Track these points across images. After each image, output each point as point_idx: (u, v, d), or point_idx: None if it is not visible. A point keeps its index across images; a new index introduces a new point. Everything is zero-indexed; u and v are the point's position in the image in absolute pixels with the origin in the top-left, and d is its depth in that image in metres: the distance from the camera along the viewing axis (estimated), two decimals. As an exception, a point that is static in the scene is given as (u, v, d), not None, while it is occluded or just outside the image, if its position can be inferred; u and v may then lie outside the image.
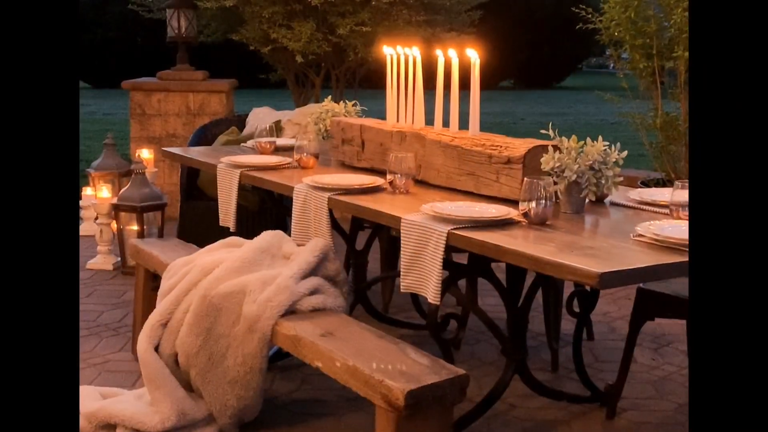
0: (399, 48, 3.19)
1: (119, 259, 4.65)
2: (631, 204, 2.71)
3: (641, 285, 2.89)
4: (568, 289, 3.27)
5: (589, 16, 4.57)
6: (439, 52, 2.99)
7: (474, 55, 2.86)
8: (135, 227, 4.49)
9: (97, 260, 4.69)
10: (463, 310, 3.57)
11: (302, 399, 3.08)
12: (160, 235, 4.54)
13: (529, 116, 15.73)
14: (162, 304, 2.79)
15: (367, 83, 7.49)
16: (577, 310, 3.04)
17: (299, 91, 6.50)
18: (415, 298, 3.81)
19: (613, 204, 2.74)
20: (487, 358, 3.47)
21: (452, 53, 2.93)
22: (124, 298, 4.17)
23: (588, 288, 2.95)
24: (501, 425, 2.91)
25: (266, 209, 4.11)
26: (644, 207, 2.66)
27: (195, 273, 2.78)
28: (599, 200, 2.74)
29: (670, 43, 4.32)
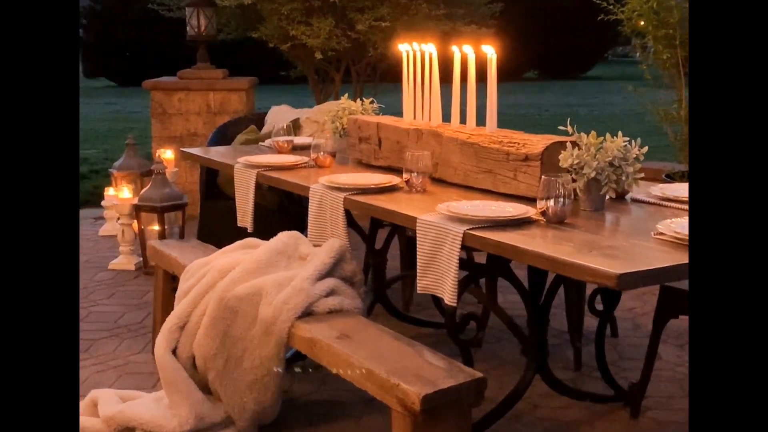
0: (415, 44, 3.14)
1: (141, 259, 4.66)
2: (652, 200, 2.65)
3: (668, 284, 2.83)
4: (590, 287, 3.21)
5: (611, 6, 4.50)
6: (455, 48, 2.95)
7: (490, 51, 2.81)
8: (156, 227, 4.50)
9: (119, 260, 4.71)
10: (483, 308, 3.53)
11: (321, 400, 3.06)
12: (182, 235, 4.54)
13: (554, 107, 15.60)
14: (179, 306, 2.78)
15: (388, 77, 7.45)
16: (599, 308, 2.98)
17: (319, 87, 6.47)
18: (436, 297, 3.77)
19: (635, 200, 2.68)
20: (509, 357, 3.42)
21: (468, 49, 2.88)
22: (145, 298, 4.18)
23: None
24: (523, 425, 2.87)
25: (285, 208, 4.08)
26: (666, 203, 2.60)
27: (212, 275, 2.76)
28: (620, 197, 2.68)
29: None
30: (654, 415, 2.93)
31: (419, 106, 3.20)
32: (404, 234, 3.78)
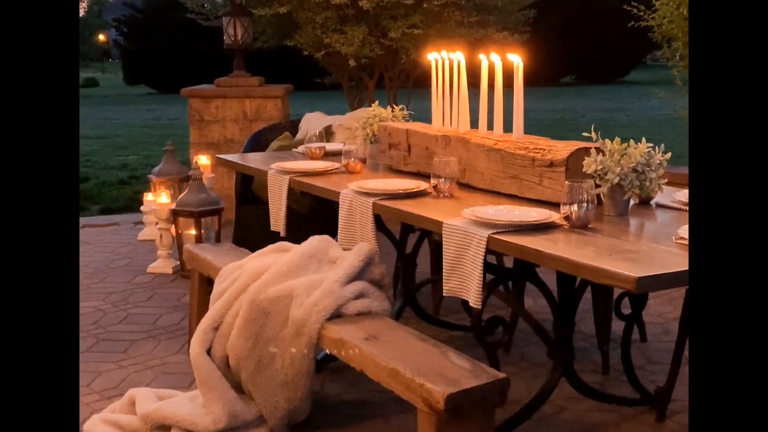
0: (444, 53, 3.21)
1: (178, 262, 4.78)
2: (676, 205, 2.68)
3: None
4: (618, 291, 3.24)
5: (641, 13, 4.52)
6: (482, 57, 3.01)
7: (517, 59, 2.87)
8: (193, 232, 4.62)
9: (158, 264, 4.83)
10: (512, 311, 3.57)
11: (352, 400, 3.13)
12: (218, 239, 4.65)
13: (590, 112, 15.54)
14: (213, 308, 2.87)
15: (423, 83, 7.52)
16: (625, 312, 3.01)
17: (353, 94, 6.56)
18: (465, 300, 3.83)
19: (659, 206, 2.71)
20: (538, 360, 3.46)
21: (495, 57, 2.94)
22: (182, 301, 4.29)
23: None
24: (549, 427, 2.91)
25: (317, 212, 4.17)
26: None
27: (244, 278, 2.85)
28: (645, 202, 2.72)
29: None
30: (680, 419, 2.95)
31: (448, 113, 3.26)
32: (433, 238, 3.84)
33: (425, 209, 2.74)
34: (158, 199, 4.92)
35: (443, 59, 3.22)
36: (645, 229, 2.53)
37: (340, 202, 3.01)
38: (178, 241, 4.69)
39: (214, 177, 5.52)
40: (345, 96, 6.68)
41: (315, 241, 2.94)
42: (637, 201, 2.57)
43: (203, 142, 6.05)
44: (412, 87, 6.60)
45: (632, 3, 4.57)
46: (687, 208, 2.64)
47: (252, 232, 4.27)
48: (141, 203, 7.06)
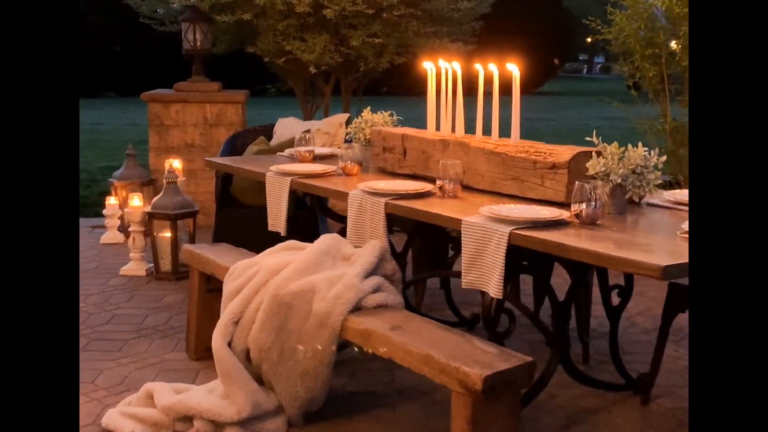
0: (440, 62, 3.40)
1: (152, 265, 4.81)
2: (667, 204, 2.93)
3: (672, 280, 3.11)
4: (595, 288, 3.48)
5: (599, 28, 4.82)
6: (479, 66, 3.21)
7: (515, 69, 3.09)
8: (168, 234, 4.67)
9: (130, 267, 4.85)
10: (497, 306, 3.77)
11: (355, 392, 3.27)
12: (192, 241, 4.71)
13: (513, 122, 16.00)
14: (233, 303, 2.97)
15: (368, 91, 7.71)
16: (598, 307, 3.26)
17: (307, 100, 6.69)
18: (449, 298, 4.02)
19: (650, 205, 2.96)
20: (520, 352, 3.67)
21: (493, 67, 3.15)
22: (164, 302, 4.34)
23: (623, 284, 3.20)
24: (545, 413, 3.12)
25: (299, 214, 4.29)
26: (680, 207, 2.88)
27: (263, 274, 2.96)
28: (636, 201, 2.96)
29: (680, 52, 4.57)
30: (663, 402, 3.21)
31: (442, 118, 3.45)
32: (417, 241, 4.01)
33: (436, 208, 2.91)
34: (131, 202, 4.93)
35: (438, 68, 3.41)
36: (646, 226, 2.76)
37: (349, 202, 3.15)
38: (153, 243, 4.72)
39: (185, 180, 5.56)
40: (298, 102, 6.79)
41: (327, 239, 3.08)
42: (638, 200, 2.81)
43: (163, 146, 6.07)
44: (362, 95, 6.77)
45: (590, 17, 4.87)
46: (677, 206, 2.90)
47: (233, 234, 4.34)
48: (84, 207, 7.03)
